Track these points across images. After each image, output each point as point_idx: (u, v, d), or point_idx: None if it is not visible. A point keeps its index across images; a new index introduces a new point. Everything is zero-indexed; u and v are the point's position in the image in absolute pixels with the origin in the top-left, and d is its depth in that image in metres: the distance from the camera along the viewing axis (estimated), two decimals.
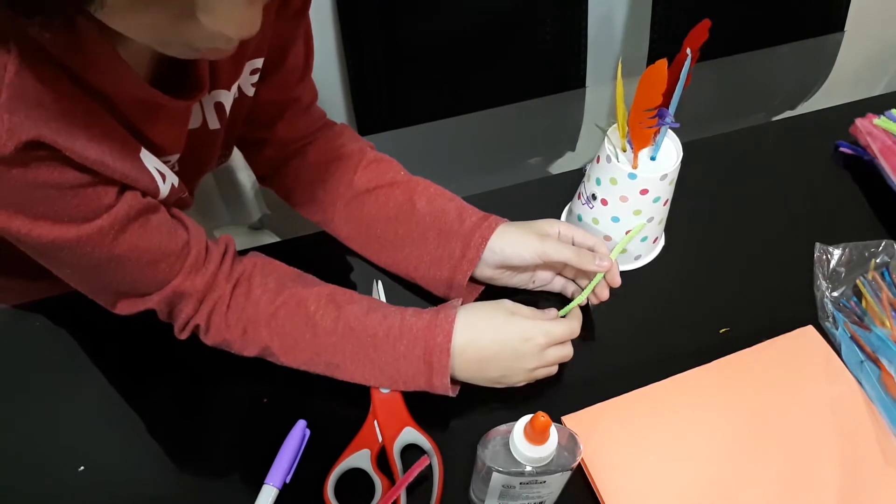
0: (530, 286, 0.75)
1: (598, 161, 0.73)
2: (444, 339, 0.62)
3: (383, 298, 0.73)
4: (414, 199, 0.73)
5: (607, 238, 0.75)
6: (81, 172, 0.49)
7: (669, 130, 0.72)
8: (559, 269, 0.74)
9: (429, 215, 0.72)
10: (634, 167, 0.71)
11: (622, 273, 0.71)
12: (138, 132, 0.55)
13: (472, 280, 0.72)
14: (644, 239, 0.76)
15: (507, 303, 0.66)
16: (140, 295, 0.61)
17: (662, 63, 0.63)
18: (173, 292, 0.61)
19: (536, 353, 0.64)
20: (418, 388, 0.64)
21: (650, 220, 0.73)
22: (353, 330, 0.63)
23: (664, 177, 0.70)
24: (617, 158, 0.71)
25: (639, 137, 0.70)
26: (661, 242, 0.81)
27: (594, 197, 0.74)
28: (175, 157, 0.62)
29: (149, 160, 0.56)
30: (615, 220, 0.74)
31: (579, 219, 0.78)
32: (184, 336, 0.65)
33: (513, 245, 0.69)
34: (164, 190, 0.58)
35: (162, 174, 0.58)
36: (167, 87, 0.54)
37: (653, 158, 0.72)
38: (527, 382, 0.66)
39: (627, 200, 0.72)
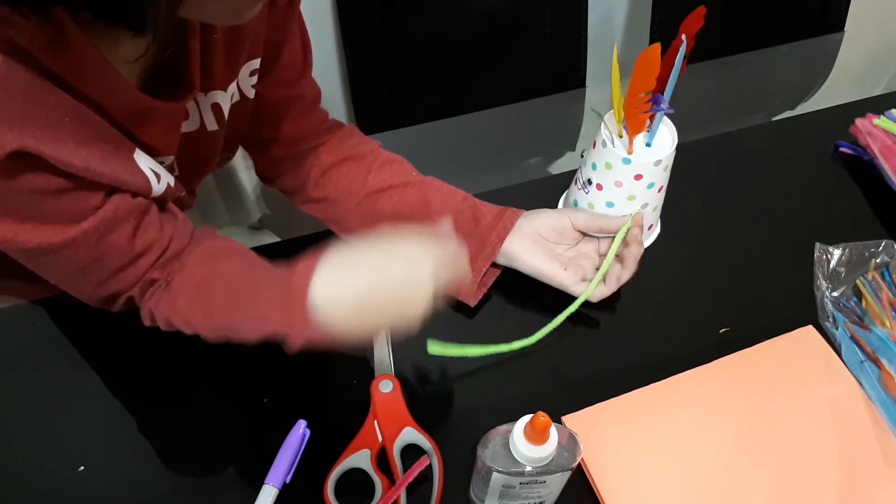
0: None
1: (594, 146, 0.73)
2: (300, 282, 0.53)
3: None
4: (428, 200, 0.74)
5: None
6: (66, 178, 0.49)
7: (665, 117, 0.72)
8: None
9: (443, 215, 0.73)
10: (629, 152, 0.71)
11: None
12: (130, 135, 0.55)
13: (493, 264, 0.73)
14: None
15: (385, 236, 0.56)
16: (121, 294, 0.62)
17: (655, 47, 0.64)
18: (143, 283, 0.61)
19: (430, 295, 0.53)
20: (298, 341, 0.55)
21: (644, 206, 0.74)
22: (229, 285, 0.60)
23: (658, 162, 0.70)
24: (612, 143, 0.71)
25: (633, 123, 0.70)
26: (657, 230, 0.81)
27: (590, 182, 0.74)
28: (170, 159, 0.62)
29: (143, 160, 0.56)
30: (610, 205, 0.74)
31: (575, 204, 0.79)
32: (149, 323, 0.65)
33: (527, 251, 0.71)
34: (158, 189, 0.58)
35: (157, 174, 0.58)
36: (157, 90, 0.54)
37: (648, 145, 0.72)
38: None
39: (622, 185, 0.72)
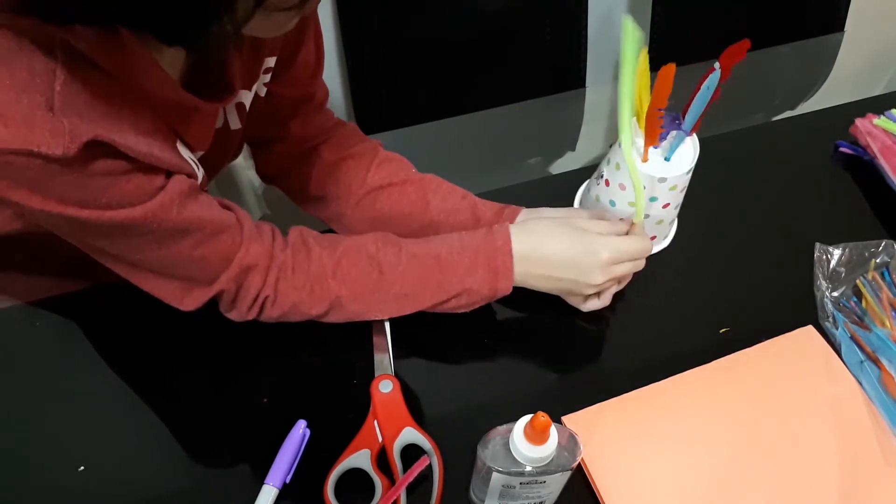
0: None
1: (617, 142, 0.73)
2: (504, 243, 0.65)
3: None
4: (427, 198, 0.74)
5: None
6: (133, 162, 0.51)
7: (695, 139, 0.71)
8: None
9: (442, 213, 0.73)
10: (644, 160, 0.70)
11: None
12: (173, 131, 0.57)
13: None
14: None
15: (578, 220, 0.69)
16: (208, 280, 0.61)
17: (669, 68, 0.63)
18: (240, 267, 0.62)
19: (602, 267, 0.66)
20: (482, 300, 0.67)
21: (646, 216, 0.73)
22: (416, 256, 0.66)
23: (662, 179, 0.69)
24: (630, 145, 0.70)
25: (651, 133, 0.69)
26: (663, 244, 0.80)
27: (601, 176, 0.74)
28: (198, 156, 0.63)
29: (183, 150, 0.58)
30: (612, 203, 0.74)
31: (589, 191, 0.78)
32: (251, 315, 0.66)
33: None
34: (200, 176, 0.60)
35: (196, 162, 0.60)
36: (196, 91, 0.56)
37: (667, 159, 0.71)
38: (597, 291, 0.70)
39: (625, 189, 0.71)
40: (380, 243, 0.67)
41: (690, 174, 0.71)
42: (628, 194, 0.72)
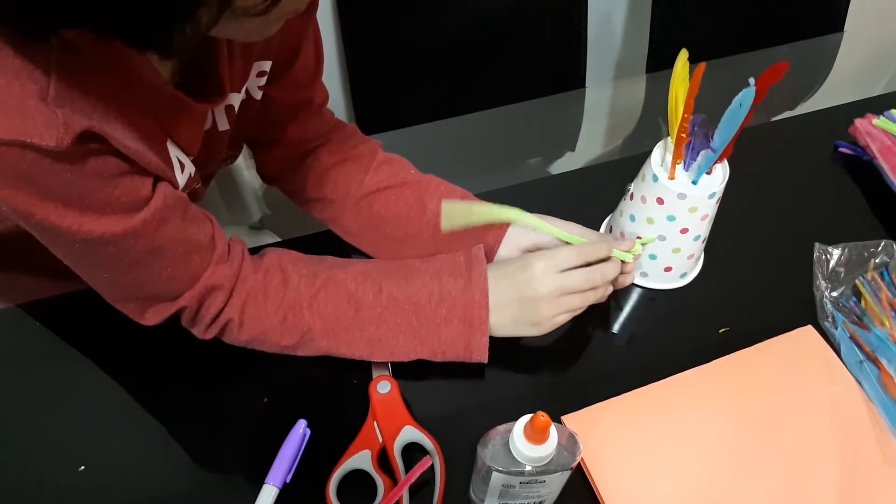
0: None
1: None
2: (481, 297, 0.65)
3: None
4: (424, 200, 0.74)
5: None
6: (123, 162, 0.50)
7: (725, 166, 0.69)
8: None
9: (439, 216, 0.73)
10: (671, 177, 0.68)
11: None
12: (164, 131, 0.56)
13: None
14: (653, 257, 0.74)
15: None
16: (172, 297, 0.61)
17: (700, 67, 0.62)
18: (205, 286, 0.61)
19: (542, 276, 0.65)
20: (455, 356, 0.66)
21: (662, 238, 0.71)
22: (396, 300, 0.65)
23: (682, 196, 0.67)
24: (661, 161, 0.69)
25: (679, 147, 0.67)
26: (677, 280, 0.77)
27: (628, 189, 0.73)
28: (189, 159, 0.63)
29: (173, 149, 0.57)
30: (632, 218, 0.72)
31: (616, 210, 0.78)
32: (209, 335, 0.65)
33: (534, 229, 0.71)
34: (182, 180, 0.59)
35: (181, 163, 0.59)
36: (186, 92, 0.55)
37: (694, 183, 0.68)
38: (556, 326, 0.68)
39: (645, 202, 0.70)
40: (359, 279, 0.66)
41: (715, 201, 0.69)
42: (647, 209, 0.70)
